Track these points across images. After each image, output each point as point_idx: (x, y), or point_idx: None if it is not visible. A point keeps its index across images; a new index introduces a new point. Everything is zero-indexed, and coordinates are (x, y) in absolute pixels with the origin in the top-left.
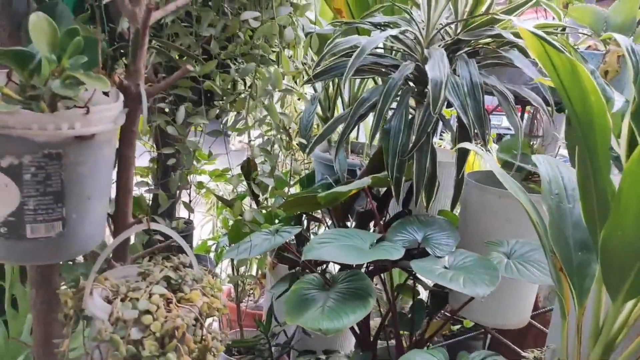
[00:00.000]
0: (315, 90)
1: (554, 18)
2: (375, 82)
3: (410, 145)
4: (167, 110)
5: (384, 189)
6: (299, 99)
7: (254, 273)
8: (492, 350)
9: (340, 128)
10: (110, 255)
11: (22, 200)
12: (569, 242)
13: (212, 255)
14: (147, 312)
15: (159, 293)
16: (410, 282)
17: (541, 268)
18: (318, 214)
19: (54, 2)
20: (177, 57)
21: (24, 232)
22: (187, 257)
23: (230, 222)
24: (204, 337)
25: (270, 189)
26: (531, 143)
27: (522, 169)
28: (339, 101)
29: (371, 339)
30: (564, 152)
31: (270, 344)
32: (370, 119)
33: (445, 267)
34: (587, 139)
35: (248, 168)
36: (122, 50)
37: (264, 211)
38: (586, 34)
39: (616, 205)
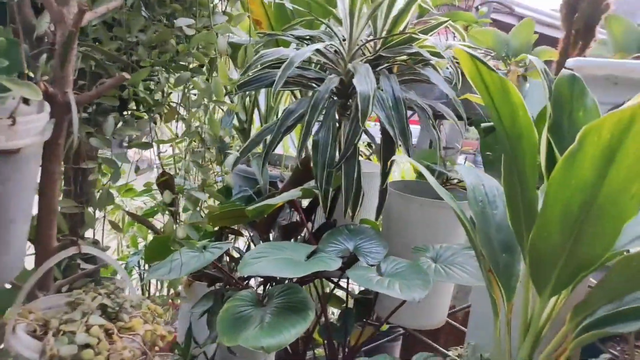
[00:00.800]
0: (231, 101)
1: (455, 37)
2: (294, 95)
3: (337, 157)
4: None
5: (307, 201)
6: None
7: (164, 293)
8: (407, 350)
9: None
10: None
11: None
12: (494, 244)
13: (118, 276)
14: (87, 345)
15: (98, 324)
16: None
17: (466, 270)
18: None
19: None
20: (100, 64)
21: None
22: (122, 282)
23: (140, 241)
24: None
25: (201, 203)
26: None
27: (437, 176)
28: (255, 113)
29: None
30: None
31: None
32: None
33: (380, 274)
34: (515, 151)
35: (166, 182)
36: (45, 55)
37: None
38: (489, 55)
39: (543, 209)
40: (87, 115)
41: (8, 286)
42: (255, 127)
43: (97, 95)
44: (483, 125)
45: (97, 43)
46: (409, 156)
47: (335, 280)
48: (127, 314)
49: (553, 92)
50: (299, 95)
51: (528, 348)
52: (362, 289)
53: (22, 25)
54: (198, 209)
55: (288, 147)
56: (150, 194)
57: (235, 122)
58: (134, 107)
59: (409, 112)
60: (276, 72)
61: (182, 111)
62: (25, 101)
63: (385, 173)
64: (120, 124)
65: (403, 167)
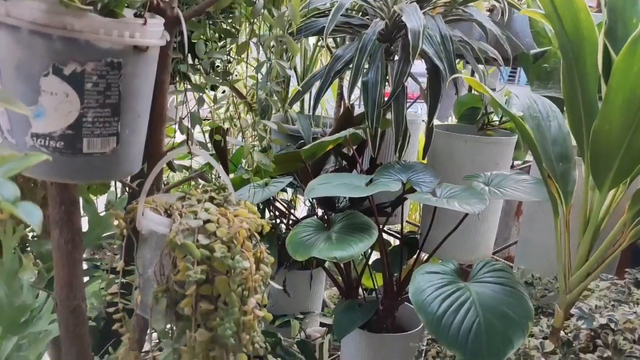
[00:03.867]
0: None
1: None
2: (330, 50)
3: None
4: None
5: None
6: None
7: None
8: None
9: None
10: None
11: (81, 112)
12: (550, 155)
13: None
14: (209, 221)
15: (214, 207)
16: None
17: (518, 189)
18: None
19: None
20: None
21: (80, 146)
22: (223, 181)
23: None
24: (257, 249)
25: (269, 130)
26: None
27: (476, 120)
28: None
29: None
30: None
31: None
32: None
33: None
34: (577, 51)
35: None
36: None
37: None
38: None
39: (605, 101)
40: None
41: None
42: (291, 89)
43: (200, 10)
44: (533, 51)
45: None
46: (457, 91)
47: (382, 225)
48: (231, 206)
49: (607, 1)
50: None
51: (587, 242)
52: (408, 230)
53: None
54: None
55: (326, 107)
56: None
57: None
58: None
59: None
60: (323, 21)
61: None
62: (140, 16)
63: (432, 111)
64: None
65: None
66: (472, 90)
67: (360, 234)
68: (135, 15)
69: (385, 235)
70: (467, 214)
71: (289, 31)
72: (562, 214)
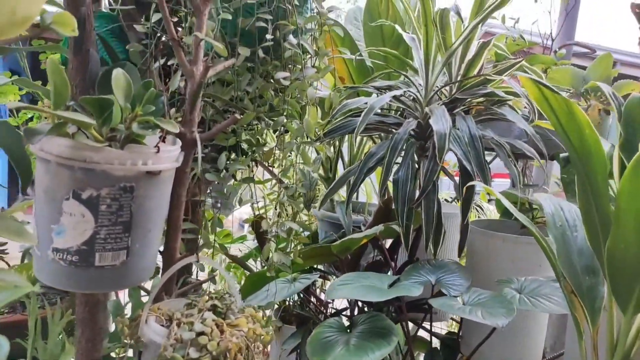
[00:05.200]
0: (317, 153)
1: None
2: (375, 142)
3: (417, 193)
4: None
5: (390, 242)
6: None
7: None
8: None
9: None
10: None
11: (95, 230)
12: (576, 267)
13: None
14: (202, 333)
15: (211, 318)
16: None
17: (552, 299)
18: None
19: (123, 62)
20: (215, 114)
21: (92, 260)
22: (230, 289)
23: (237, 286)
24: None
25: (293, 233)
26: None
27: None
28: (339, 164)
29: None
30: None
31: None
32: (369, 179)
33: (463, 304)
34: (586, 167)
35: (257, 225)
36: (174, 105)
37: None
38: (569, 92)
39: (616, 220)
40: (203, 154)
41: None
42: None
43: (216, 132)
44: (562, 155)
45: (212, 99)
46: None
47: (420, 322)
48: (233, 314)
49: (623, 113)
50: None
51: None
52: (447, 330)
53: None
54: (290, 238)
55: (371, 195)
56: (244, 240)
57: (321, 171)
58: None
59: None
60: (358, 120)
61: (277, 153)
62: (162, 140)
63: (465, 209)
64: (230, 162)
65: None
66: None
67: (380, 340)
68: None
69: (425, 334)
70: None
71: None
72: (589, 335)
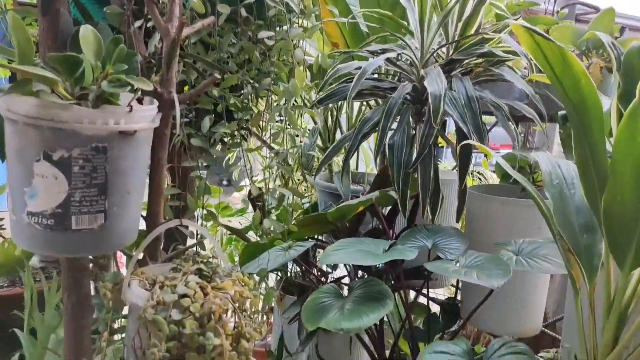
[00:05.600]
0: (315, 123)
1: None
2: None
3: (414, 158)
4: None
5: (388, 209)
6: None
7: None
8: None
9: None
10: (141, 257)
11: (69, 192)
12: (574, 226)
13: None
14: (185, 295)
15: (195, 281)
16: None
17: (550, 260)
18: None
19: (95, 22)
20: (198, 77)
21: (69, 223)
22: (215, 254)
23: (237, 258)
24: (237, 324)
25: (286, 200)
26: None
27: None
28: (337, 133)
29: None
30: None
31: None
32: (368, 147)
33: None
34: (581, 118)
35: (251, 193)
36: (153, 66)
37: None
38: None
39: (612, 171)
40: (187, 120)
41: None
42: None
43: (196, 93)
44: (560, 113)
45: (194, 61)
46: (486, 156)
47: (418, 289)
48: (219, 278)
49: (623, 63)
50: None
51: (612, 328)
52: (448, 296)
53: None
54: (283, 205)
55: (371, 165)
56: (244, 212)
57: (319, 142)
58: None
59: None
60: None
61: (267, 117)
62: (139, 101)
63: (462, 172)
64: (214, 125)
65: None
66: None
67: (375, 304)
68: (139, 99)
69: (425, 301)
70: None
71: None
72: (586, 294)
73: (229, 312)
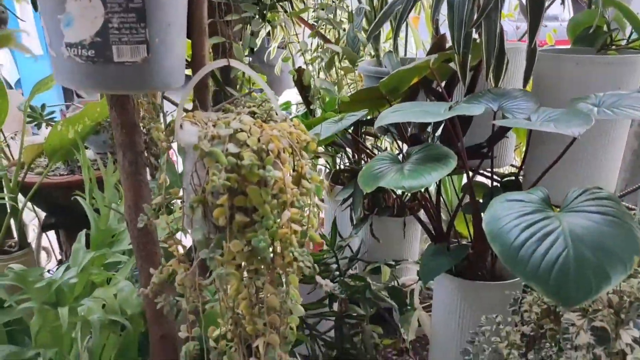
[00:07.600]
0: (359, 2)
1: None
2: None
3: (476, 15)
4: None
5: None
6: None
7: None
8: None
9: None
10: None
11: (105, 17)
12: None
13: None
14: (241, 130)
15: (249, 119)
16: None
17: (635, 108)
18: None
19: None
20: None
21: (110, 54)
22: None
23: None
24: (297, 164)
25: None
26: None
27: (596, 41)
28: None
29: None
30: None
31: (337, 257)
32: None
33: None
34: None
35: (299, 74)
36: None
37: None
38: None
39: None
40: None
41: None
42: (385, 32)
43: None
44: None
45: None
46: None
47: (476, 168)
48: (273, 121)
49: None
50: None
51: None
52: (508, 172)
53: None
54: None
55: (419, 47)
56: (289, 106)
57: (364, 24)
58: None
59: None
60: None
61: None
62: None
63: (533, 29)
64: None
65: None
66: (592, 6)
67: (435, 164)
68: None
69: (482, 179)
70: (573, 142)
71: None
72: None
73: (287, 154)
